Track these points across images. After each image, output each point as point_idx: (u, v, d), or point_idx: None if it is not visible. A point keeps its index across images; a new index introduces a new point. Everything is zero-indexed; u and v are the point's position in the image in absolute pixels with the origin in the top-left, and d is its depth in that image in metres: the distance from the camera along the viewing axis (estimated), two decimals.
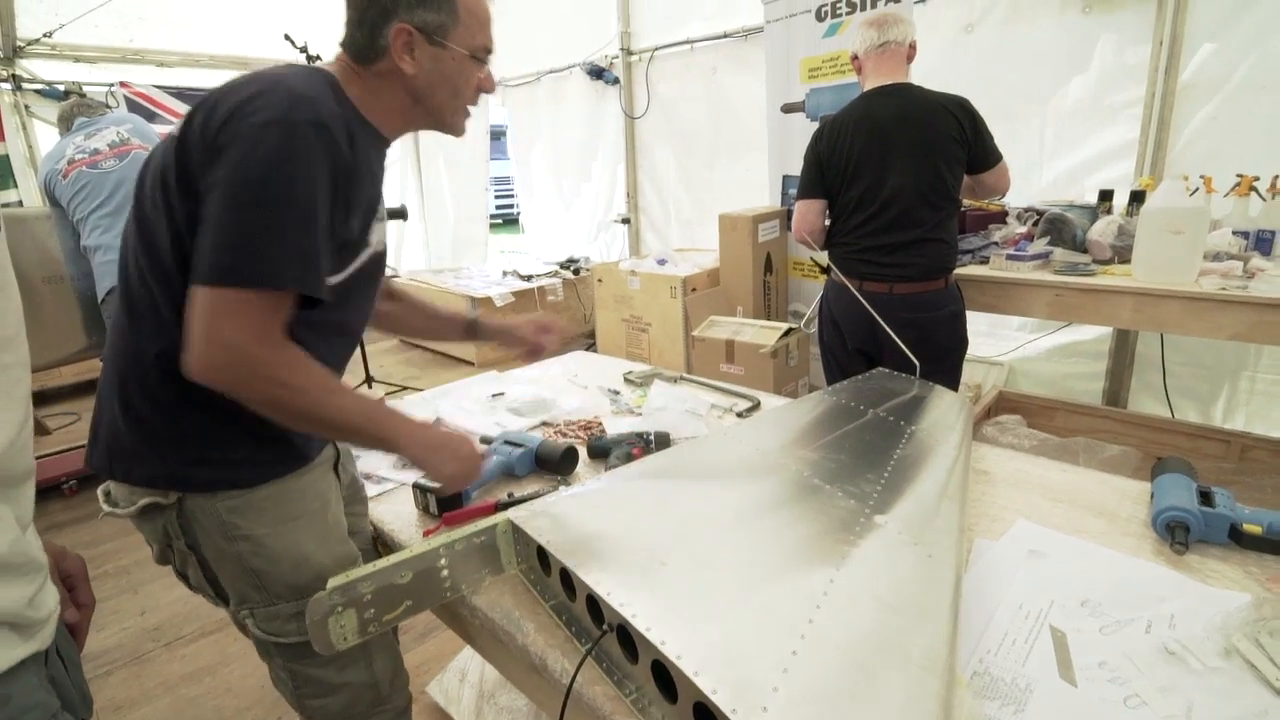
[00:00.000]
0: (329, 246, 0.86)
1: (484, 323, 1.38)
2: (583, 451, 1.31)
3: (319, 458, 1.04)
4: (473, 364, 4.51)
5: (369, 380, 3.78)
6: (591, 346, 4.19)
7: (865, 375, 1.45)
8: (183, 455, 0.90)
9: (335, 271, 0.91)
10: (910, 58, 1.95)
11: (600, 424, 1.46)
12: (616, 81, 4.43)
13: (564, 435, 1.42)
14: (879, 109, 1.89)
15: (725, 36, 3.79)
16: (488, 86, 1.00)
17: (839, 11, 2.94)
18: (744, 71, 3.74)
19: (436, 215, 6.30)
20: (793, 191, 3.32)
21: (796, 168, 3.25)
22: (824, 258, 2.08)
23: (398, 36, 0.89)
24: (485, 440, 1.37)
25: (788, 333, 2.70)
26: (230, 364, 0.79)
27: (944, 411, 1.25)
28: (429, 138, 6.13)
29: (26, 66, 4.22)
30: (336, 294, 0.92)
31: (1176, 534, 0.88)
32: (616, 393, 1.67)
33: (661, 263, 3.75)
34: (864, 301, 1.64)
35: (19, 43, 4.14)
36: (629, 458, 1.24)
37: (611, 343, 3.97)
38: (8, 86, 4.15)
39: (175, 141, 0.84)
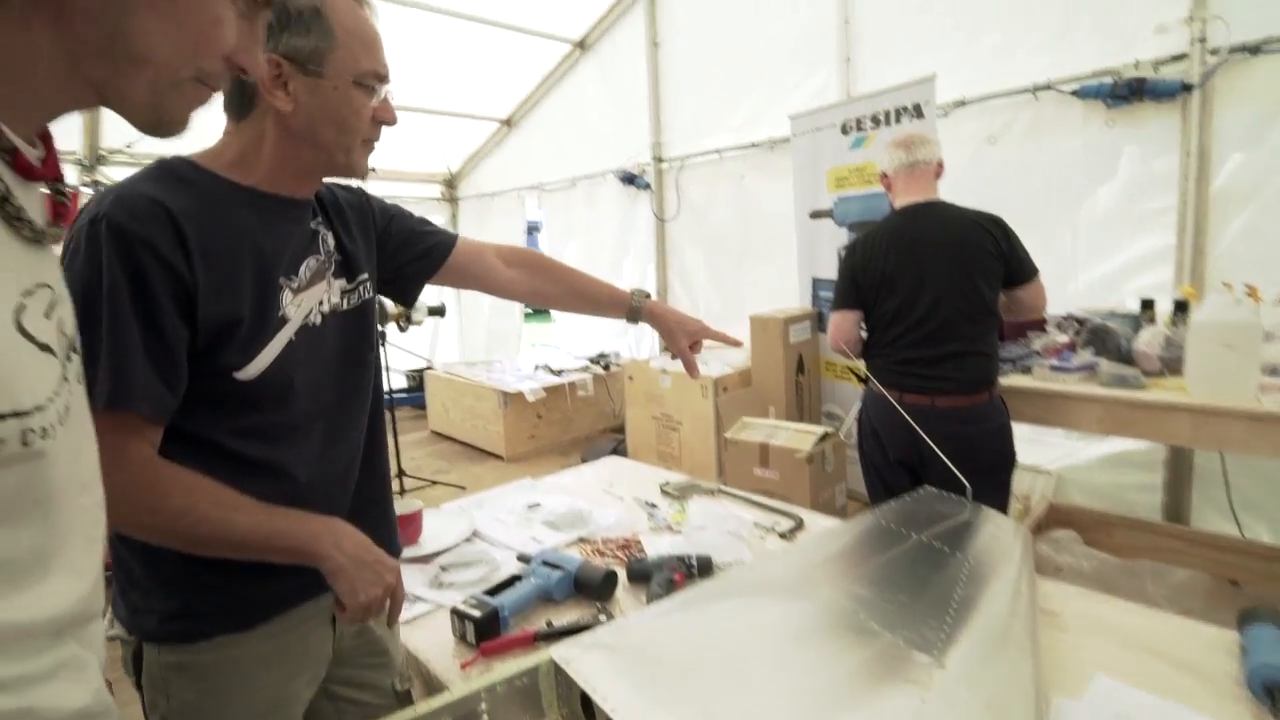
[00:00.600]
0: (165, 347, 0.75)
1: (647, 310, 1.35)
2: (622, 574, 1.26)
3: (294, 616, 0.91)
4: (502, 458, 4.50)
5: (400, 474, 3.78)
6: (621, 443, 4.16)
7: (913, 495, 1.40)
8: (131, 598, 0.85)
9: (242, 363, 0.80)
10: (939, 175, 2.01)
11: (639, 542, 1.42)
12: (648, 186, 4.63)
13: (602, 555, 1.38)
14: (912, 225, 1.93)
15: (753, 146, 3.97)
16: (386, 117, 0.88)
17: (863, 127, 3.08)
18: (771, 179, 3.89)
19: (472, 308, 6.50)
20: (823, 294, 3.37)
21: (825, 271, 3.32)
22: (862, 367, 2.08)
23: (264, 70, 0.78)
24: (523, 559, 1.34)
25: (824, 437, 2.65)
26: None
27: (1002, 541, 1.19)
28: (467, 230, 6.39)
29: (106, 173, 4.58)
30: (271, 385, 0.83)
31: (1278, 698, 0.80)
32: (654, 506, 1.64)
33: None
34: (906, 416, 1.61)
35: (101, 151, 4.51)
36: (671, 584, 1.19)
37: (641, 441, 3.95)
38: (89, 191, 4.49)
39: None
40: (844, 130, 3.16)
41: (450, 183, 6.47)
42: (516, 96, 5.47)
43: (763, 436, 2.76)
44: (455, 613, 1.10)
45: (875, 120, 3.02)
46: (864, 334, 2.08)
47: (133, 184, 0.76)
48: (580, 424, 4.88)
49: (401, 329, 3.96)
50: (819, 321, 3.39)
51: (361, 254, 1.00)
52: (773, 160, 3.88)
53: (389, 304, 3.84)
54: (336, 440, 0.94)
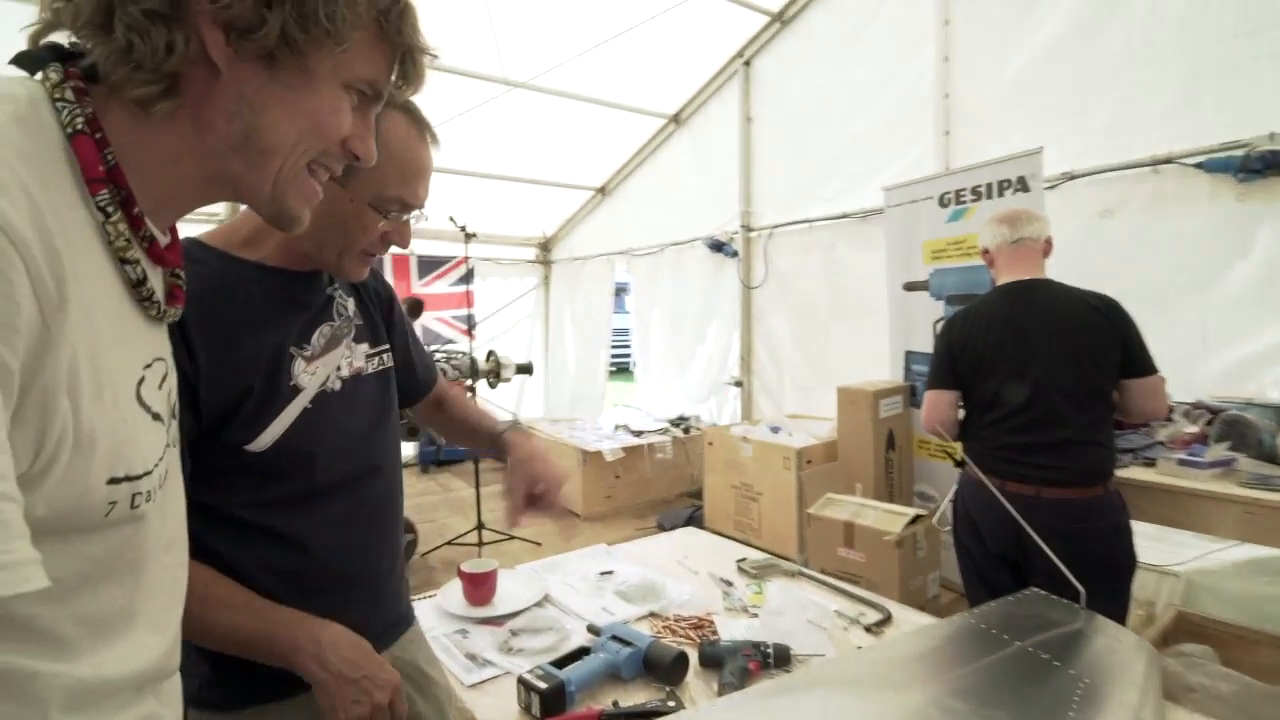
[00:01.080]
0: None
1: (508, 445, 1.13)
2: (693, 655, 1.21)
3: None
4: (579, 515, 4.50)
5: (480, 527, 3.85)
6: (699, 510, 4.08)
7: (1017, 597, 1.28)
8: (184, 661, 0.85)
9: (250, 436, 0.80)
10: (1047, 253, 1.91)
11: (712, 623, 1.36)
12: (735, 254, 4.67)
13: (674, 633, 1.33)
14: (1016, 303, 1.84)
15: (844, 217, 3.95)
16: (397, 241, 0.88)
17: (963, 199, 3.00)
18: (863, 249, 3.83)
19: (558, 367, 6.67)
20: (916, 367, 3.23)
21: (920, 344, 3.20)
22: (958, 449, 1.96)
23: None
24: (593, 630, 1.31)
25: (915, 520, 2.49)
26: None
27: (1122, 657, 1.06)
28: (558, 291, 6.66)
29: None
30: (289, 454, 0.83)
31: None
32: (729, 584, 1.58)
33: (775, 430, 3.68)
34: (1010, 509, 1.49)
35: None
36: (745, 674, 1.13)
37: (719, 509, 3.85)
38: None
39: None
40: (942, 202, 3.09)
41: (545, 246, 6.78)
42: (611, 167, 5.73)
43: (848, 515, 2.63)
44: (522, 682, 1.09)
45: (976, 193, 2.94)
46: (961, 415, 1.97)
47: None
48: (658, 487, 4.83)
49: (491, 385, 4.11)
50: (912, 396, 3.24)
51: (381, 325, 1.02)
52: (865, 231, 3.84)
53: (480, 360, 4.01)
54: (366, 503, 0.94)
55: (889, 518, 2.55)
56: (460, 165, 4.93)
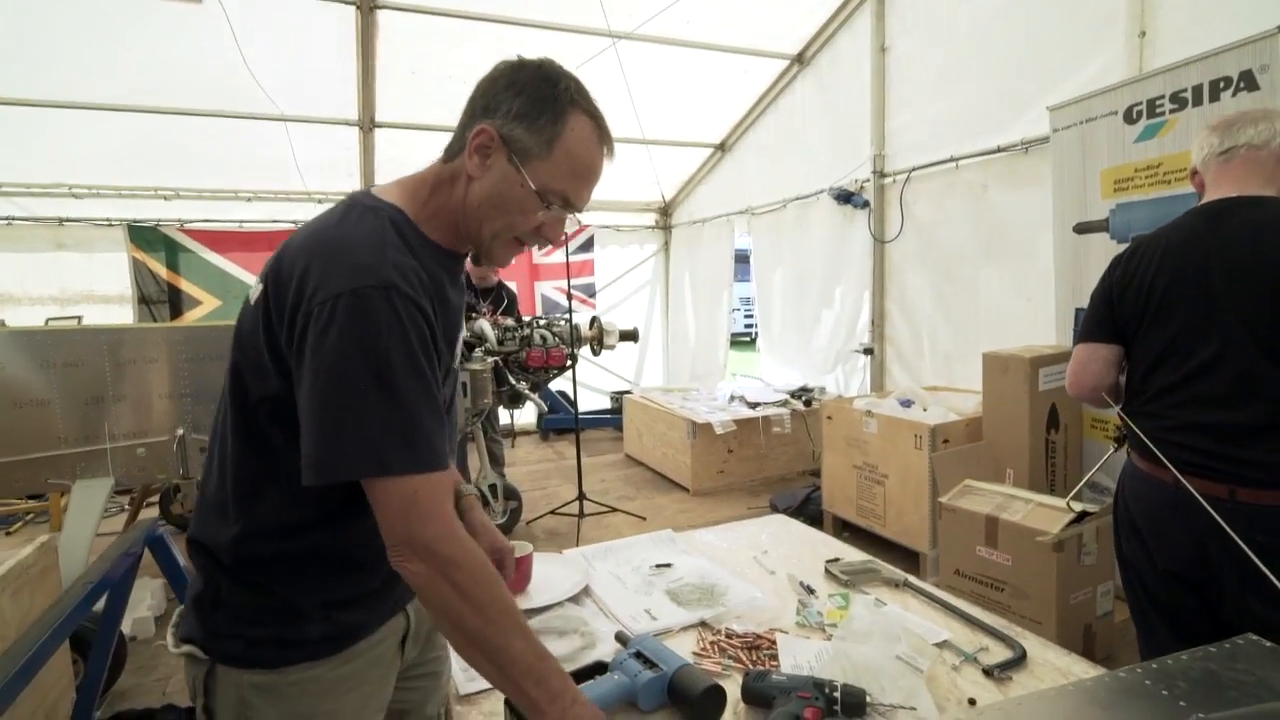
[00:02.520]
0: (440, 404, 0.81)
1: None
2: (735, 688, 0.94)
3: (375, 637, 0.89)
4: (688, 490, 4.29)
5: (581, 497, 3.75)
6: (817, 490, 3.69)
7: (1224, 648, 0.88)
8: (214, 620, 0.82)
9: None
10: None
11: (773, 643, 1.08)
12: (866, 204, 4.13)
13: (722, 652, 1.06)
14: (1208, 230, 1.30)
15: (999, 151, 3.31)
16: (549, 235, 0.89)
17: (1159, 110, 2.34)
18: (1022, 187, 3.19)
19: (678, 335, 6.45)
20: None
21: None
22: (1118, 420, 1.47)
23: (478, 134, 0.81)
24: (621, 639, 1.08)
25: (1081, 517, 1.99)
26: (422, 565, 0.73)
27: None
28: (678, 257, 6.40)
29: (380, 136, 5.31)
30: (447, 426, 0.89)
31: None
32: (811, 592, 1.27)
33: (906, 404, 3.20)
34: (1212, 511, 1.04)
35: (379, 121, 5.22)
36: None
37: (839, 491, 3.44)
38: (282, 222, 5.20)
39: (261, 314, 0.78)
40: (1129, 118, 2.43)
41: (664, 210, 6.53)
42: (730, 120, 5.33)
43: (991, 507, 2.17)
44: (509, 705, 0.88)
45: (1178, 100, 2.27)
46: (1123, 378, 1.48)
47: (386, 252, 0.77)
48: (775, 463, 4.48)
49: (595, 353, 3.97)
50: None
51: None
52: (1024, 166, 3.20)
53: (583, 326, 3.87)
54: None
55: (1046, 514, 2.07)
56: None
